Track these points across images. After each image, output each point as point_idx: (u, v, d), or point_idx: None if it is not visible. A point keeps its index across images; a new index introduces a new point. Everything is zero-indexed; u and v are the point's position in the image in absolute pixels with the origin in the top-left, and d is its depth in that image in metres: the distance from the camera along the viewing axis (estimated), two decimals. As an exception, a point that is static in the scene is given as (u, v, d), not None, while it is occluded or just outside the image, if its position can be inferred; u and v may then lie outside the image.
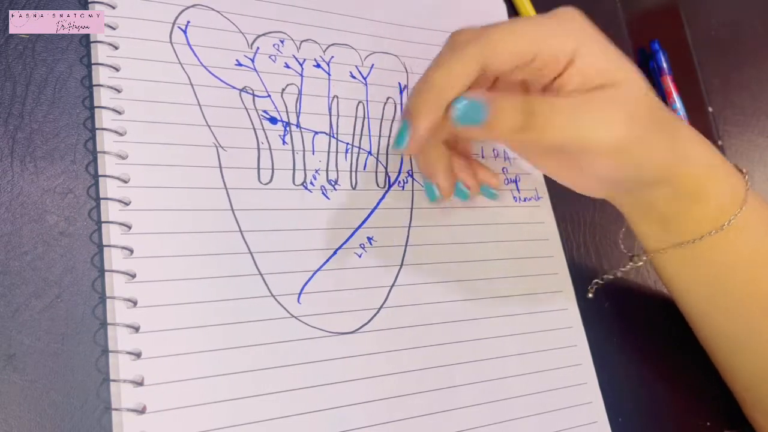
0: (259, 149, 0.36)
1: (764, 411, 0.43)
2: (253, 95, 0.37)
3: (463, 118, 0.32)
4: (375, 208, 0.38)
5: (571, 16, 0.34)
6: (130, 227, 0.31)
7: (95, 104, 0.33)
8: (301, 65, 0.39)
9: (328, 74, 0.39)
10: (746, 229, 0.38)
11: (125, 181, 0.32)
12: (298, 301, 0.34)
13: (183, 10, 0.36)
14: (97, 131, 0.32)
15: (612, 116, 0.32)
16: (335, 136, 0.39)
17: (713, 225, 0.38)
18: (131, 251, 0.31)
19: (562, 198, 0.45)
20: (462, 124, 0.32)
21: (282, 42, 0.38)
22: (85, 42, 0.34)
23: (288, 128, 0.37)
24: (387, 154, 0.40)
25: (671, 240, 0.39)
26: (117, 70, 0.33)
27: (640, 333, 0.46)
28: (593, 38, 0.34)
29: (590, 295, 0.44)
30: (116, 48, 0.33)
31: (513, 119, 0.32)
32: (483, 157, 0.43)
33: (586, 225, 0.47)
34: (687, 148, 0.37)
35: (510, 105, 0.32)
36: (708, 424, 0.46)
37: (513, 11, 0.49)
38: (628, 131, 0.33)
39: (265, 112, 0.37)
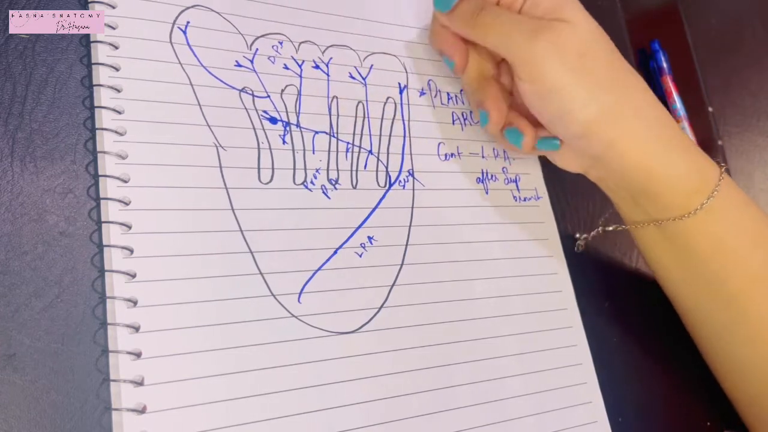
0: (259, 149, 0.36)
1: (748, 403, 0.43)
2: (253, 95, 0.37)
3: (438, 3, 0.40)
4: (376, 207, 0.38)
5: None
6: (130, 227, 0.31)
7: (95, 104, 0.33)
8: (300, 66, 0.39)
9: (327, 75, 0.39)
10: (716, 217, 0.38)
11: (125, 181, 0.32)
12: (299, 300, 0.34)
13: (183, 11, 0.36)
14: (97, 131, 0.32)
15: (535, 45, 0.36)
16: (335, 135, 0.39)
17: (680, 210, 0.38)
18: (131, 251, 0.31)
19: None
20: (436, 8, 0.40)
21: (281, 44, 0.39)
22: (85, 42, 0.34)
23: (288, 128, 0.37)
24: (387, 153, 0.40)
25: (643, 217, 0.40)
26: (117, 69, 0.33)
27: (640, 332, 0.46)
28: None
29: (579, 249, 0.45)
30: (116, 48, 0.33)
31: (467, 11, 0.39)
32: (483, 157, 0.43)
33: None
34: (633, 126, 0.37)
35: (472, 1, 0.39)
36: (708, 424, 0.46)
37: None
38: (544, 64, 0.36)
39: (264, 112, 0.37)
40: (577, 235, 0.45)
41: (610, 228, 0.44)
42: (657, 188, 0.38)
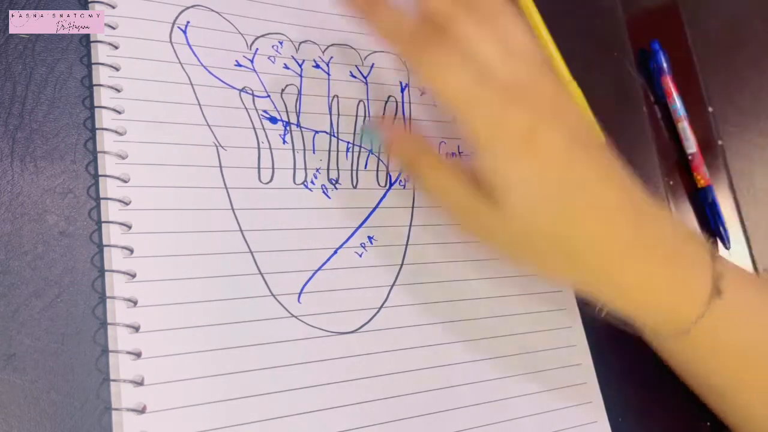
0: (259, 148, 0.36)
1: None
2: (253, 95, 0.37)
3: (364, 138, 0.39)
4: (376, 207, 0.38)
5: None
6: (130, 227, 0.31)
7: (95, 104, 0.33)
8: (300, 66, 0.39)
9: (328, 74, 0.39)
10: (710, 332, 0.37)
11: (125, 181, 0.32)
12: (299, 300, 0.34)
13: (183, 11, 0.36)
14: (97, 131, 0.32)
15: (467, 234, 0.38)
16: (336, 135, 0.39)
17: (670, 330, 0.37)
18: (131, 251, 0.31)
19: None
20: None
21: (281, 43, 0.39)
22: (85, 42, 0.34)
23: (288, 127, 0.37)
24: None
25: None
26: (117, 69, 0.33)
27: (640, 333, 0.46)
28: None
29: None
30: (116, 48, 0.33)
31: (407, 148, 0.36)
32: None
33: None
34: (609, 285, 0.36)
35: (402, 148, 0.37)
36: (708, 424, 0.46)
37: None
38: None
39: (265, 111, 0.37)
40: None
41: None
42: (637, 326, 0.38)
